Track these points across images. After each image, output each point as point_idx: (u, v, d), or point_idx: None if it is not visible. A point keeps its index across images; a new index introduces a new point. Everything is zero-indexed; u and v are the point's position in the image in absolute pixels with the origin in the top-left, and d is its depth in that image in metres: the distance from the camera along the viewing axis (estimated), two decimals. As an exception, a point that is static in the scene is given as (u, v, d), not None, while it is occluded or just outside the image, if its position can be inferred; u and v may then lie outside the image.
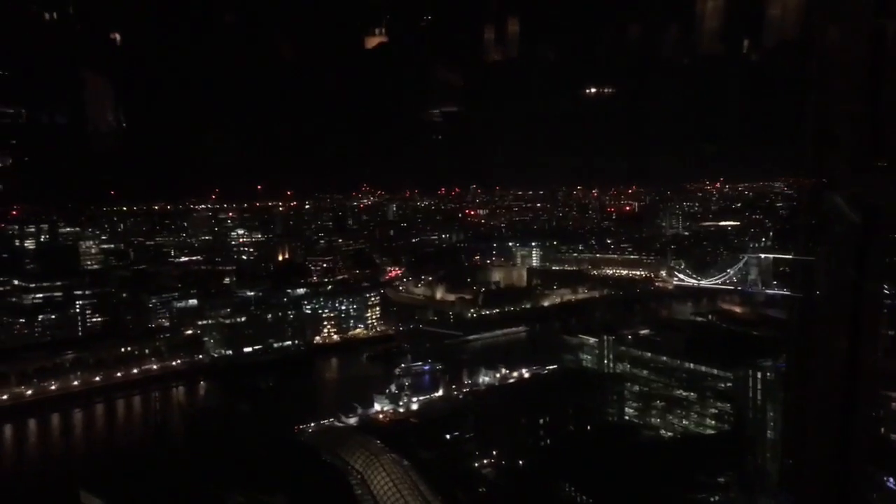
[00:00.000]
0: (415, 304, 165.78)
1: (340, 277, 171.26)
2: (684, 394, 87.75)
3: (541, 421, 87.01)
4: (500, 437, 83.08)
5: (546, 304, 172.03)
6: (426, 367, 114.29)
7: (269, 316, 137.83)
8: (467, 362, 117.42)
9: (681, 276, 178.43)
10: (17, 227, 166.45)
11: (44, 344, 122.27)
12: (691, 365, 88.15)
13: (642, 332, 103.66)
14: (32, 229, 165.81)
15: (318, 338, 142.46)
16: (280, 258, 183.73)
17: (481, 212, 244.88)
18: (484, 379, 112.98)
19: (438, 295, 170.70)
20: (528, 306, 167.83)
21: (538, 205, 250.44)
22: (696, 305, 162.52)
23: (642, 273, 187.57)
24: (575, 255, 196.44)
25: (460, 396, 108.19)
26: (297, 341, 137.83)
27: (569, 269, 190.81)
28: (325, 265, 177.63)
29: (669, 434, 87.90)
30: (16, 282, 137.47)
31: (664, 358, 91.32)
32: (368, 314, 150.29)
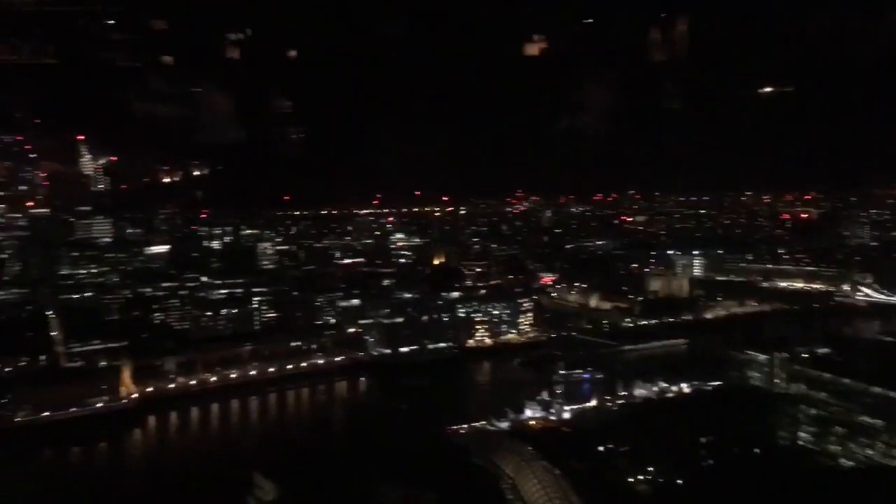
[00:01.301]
0: (568, 311, 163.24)
1: (494, 282, 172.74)
2: (870, 420, 79.43)
3: (702, 440, 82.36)
4: (656, 453, 79.60)
5: (709, 316, 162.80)
6: (586, 376, 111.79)
7: (425, 318, 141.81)
8: (622, 373, 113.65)
9: (867, 290, 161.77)
10: (206, 228, 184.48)
11: (226, 336, 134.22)
12: (879, 389, 79.59)
13: (820, 350, 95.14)
14: (218, 231, 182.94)
15: (471, 341, 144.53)
16: (436, 262, 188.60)
17: (639, 218, 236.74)
18: (640, 391, 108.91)
19: (593, 303, 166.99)
20: (689, 318, 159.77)
21: (702, 211, 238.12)
22: (885, 324, 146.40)
23: (821, 286, 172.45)
24: (743, 265, 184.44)
25: (614, 408, 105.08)
26: (450, 344, 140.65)
27: (735, 279, 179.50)
28: (479, 270, 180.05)
29: (850, 464, 79.91)
30: (204, 278, 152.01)
31: (847, 380, 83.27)
32: (521, 320, 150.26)
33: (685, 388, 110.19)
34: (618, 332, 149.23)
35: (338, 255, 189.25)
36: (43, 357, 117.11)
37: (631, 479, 76.35)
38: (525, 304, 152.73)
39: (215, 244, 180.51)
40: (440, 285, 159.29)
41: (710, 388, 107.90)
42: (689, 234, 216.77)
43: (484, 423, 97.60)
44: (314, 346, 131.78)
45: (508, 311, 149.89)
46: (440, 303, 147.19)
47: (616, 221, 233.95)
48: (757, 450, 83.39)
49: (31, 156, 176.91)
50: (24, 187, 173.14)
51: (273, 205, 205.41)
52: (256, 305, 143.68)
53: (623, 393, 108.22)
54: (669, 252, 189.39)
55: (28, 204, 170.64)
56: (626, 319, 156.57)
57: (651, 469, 77.15)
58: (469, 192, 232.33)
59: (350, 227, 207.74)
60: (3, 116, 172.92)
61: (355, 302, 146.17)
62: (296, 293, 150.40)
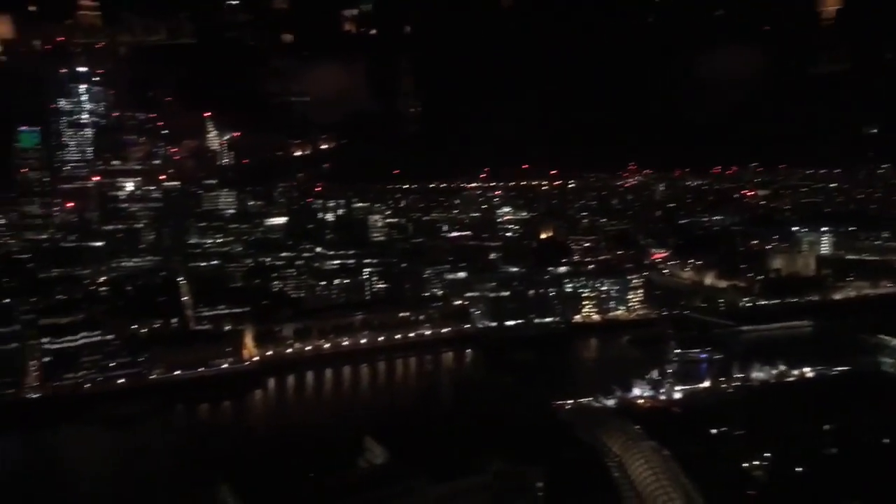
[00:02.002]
0: (681, 289, 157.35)
1: (602, 258, 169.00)
2: None
3: (826, 427, 77.66)
4: (774, 439, 75.87)
5: (838, 297, 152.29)
6: (703, 356, 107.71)
7: (531, 292, 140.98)
8: (739, 355, 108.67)
9: None
10: (320, 202, 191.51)
11: (339, 305, 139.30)
12: None
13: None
14: (332, 204, 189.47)
15: (577, 317, 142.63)
16: (543, 236, 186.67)
17: (761, 192, 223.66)
18: (758, 374, 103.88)
19: (708, 281, 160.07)
20: (815, 299, 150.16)
21: (832, 185, 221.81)
22: None
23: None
24: (878, 242, 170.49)
25: (729, 390, 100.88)
26: (556, 318, 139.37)
27: (869, 258, 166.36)
28: (587, 245, 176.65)
29: None
30: (318, 249, 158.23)
31: None
32: (630, 296, 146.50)
33: (808, 372, 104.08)
34: (735, 311, 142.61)
35: (445, 228, 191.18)
36: (175, 320, 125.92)
37: (746, 465, 73.23)
38: (635, 281, 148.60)
39: (329, 217, 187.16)
40: (547, 260, 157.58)
41: (837, 373, 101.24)
42: (817, 210, 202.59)
43: (590, 399, 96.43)
44: (421, 318, 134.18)
45: (617, 288, 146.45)
46: (547, 277, 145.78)
47: (736, 196, 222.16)
48: (887, 440, 77.72)
49: (163, 132, 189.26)
50: (158, 162, 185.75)
51: (383, 179, 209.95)
52: (367, 276, 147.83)
53: (739, 375, 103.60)
54: (794, 228, 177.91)
55: (161, 177, 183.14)
56: (745, 299, 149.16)
57: (768, 455, 73.65)
58: (578, 165, 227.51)
59: (457, 201, 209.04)
60: (139, 95, 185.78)
61: (462, 275, 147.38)
62: (404, 265, 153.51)
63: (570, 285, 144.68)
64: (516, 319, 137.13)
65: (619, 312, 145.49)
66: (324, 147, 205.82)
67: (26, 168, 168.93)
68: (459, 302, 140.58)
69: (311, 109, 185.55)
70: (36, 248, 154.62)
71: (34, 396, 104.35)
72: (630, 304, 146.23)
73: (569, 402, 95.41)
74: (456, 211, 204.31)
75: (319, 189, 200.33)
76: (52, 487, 78.83)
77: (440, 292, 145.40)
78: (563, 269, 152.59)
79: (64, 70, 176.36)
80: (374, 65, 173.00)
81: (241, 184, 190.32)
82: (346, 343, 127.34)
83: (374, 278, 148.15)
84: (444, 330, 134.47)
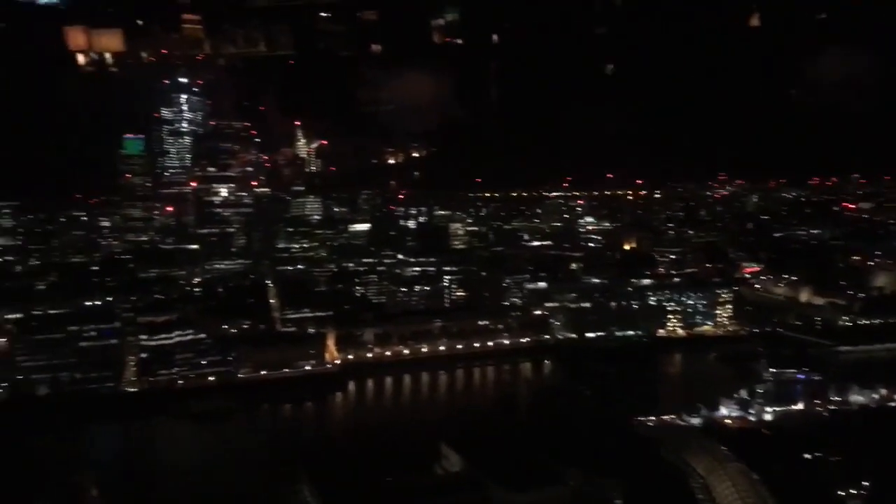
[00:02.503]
0: (774, 305, 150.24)
1: (689, 270, 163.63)
2: None
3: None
4: (873, 467, 71.16)
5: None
6: (800, 377, 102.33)
7: (613, 304, 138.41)
8: (836, 376, 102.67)
9: None
10: (402, 209, 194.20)
11: (418, 311, 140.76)
12: None
13: None
14: (414, 212, 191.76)
15: (661, 331, 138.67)
16: (626, 247, 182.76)
17: (863, 205, 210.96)
18: (856, 398, 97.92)
19: (804, 297, 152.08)
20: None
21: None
22: None
23: None
24: None
25: (825, 413, 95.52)
26: (639, 332, 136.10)
27: None
28: (672, 257, 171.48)
29: None
30: (399, 256, 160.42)
31: None
32: (718, 311, 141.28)
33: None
34: (832, 330, 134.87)
35: (526, 237, 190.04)
36: (262, 322, 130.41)
37: (842, 493, 69.01)
38: (724, 295, 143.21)
39: (410, 224, 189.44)
40: (630, 271, 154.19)
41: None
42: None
43: (674, 417, 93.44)
44: (500, 326, 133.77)
45: (704, 302, 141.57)
46: (630, 289, 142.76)
47: (835, 208, 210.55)
48: None
49: (256, 140, 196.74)
50: (250, 169, 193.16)
51: (465, 187, 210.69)
52: (447, 284, 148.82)
53: (836, 398, 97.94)
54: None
55: (252, 184, 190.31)
56: (844, 317, 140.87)
57: (866, 484, 69.17)
58: (665, 175, 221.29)
59: (539, 210, 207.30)
60: (235, 104, 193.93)
61: (542, 285, 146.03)
62: (484, 273, 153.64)
63: (654, 298, 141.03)
64: (597, 331, 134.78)
65: (706, 328, 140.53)
66: (415, 155, 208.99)
67: (130, 173, 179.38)
68: (539, 312, 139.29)
69: (398, 118, 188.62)
70: (137, 250, 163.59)
71: (132, 390, 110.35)
72: (718, 320, 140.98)
73: (651, 418, 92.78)
74: (537, 220, 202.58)
75: (402, 197, 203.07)
76: (146, 475, 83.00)
77: (520, 301, 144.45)
78: (647, 281, 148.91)
79: (167, 80, 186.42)
80: (460, 73, 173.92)
81: (328, 190, 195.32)
82: (424, 349, 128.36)
83: (454, 286, 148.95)
84: (523, 339, 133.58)
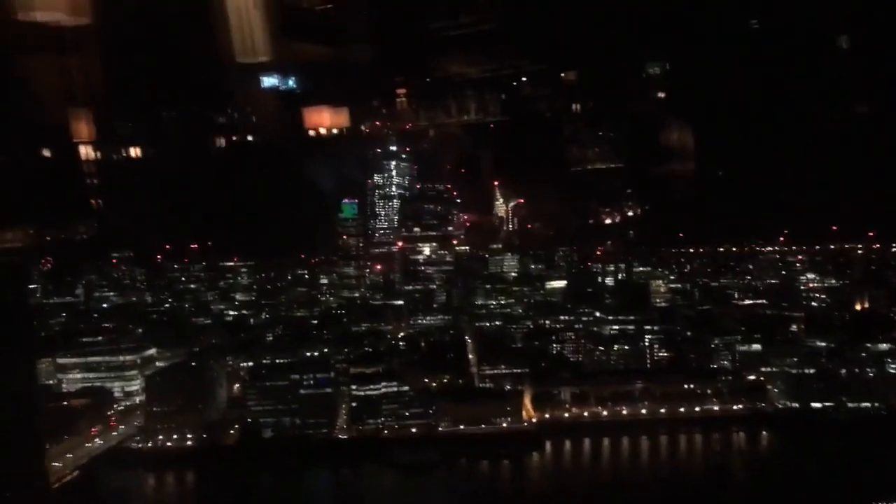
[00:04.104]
0: None
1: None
2: None
3: None
4: None
5: None
6: None
7: (844, 371, 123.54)
8: None
9: None
10: (599, 266, 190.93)
11: (618, 371, 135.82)
12: None
13: None
14: (612, 268, 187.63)
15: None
16: (858, 307, 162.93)
17: None
18: None
19: None
20: None
21: None
22: None
23: None
24: None
25: None
26: (877, 404, 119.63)
27: None
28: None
29: None
30: (597, 314, 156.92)
31: None
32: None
33: None
34: None
35: (736, 295, 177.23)
36: (461, 377, 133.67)
37: None
38: None
39: (608, 281, 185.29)
40: (864, 334, 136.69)
41: None
42: None
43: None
44: (709, 391, 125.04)
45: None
46: (864, 355, 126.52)
47: None
48: None
49: (457, 201, 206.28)
50: (451, 228, 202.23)
51: (666, 242, 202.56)
52: (648, 343, 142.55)
53: None
54: None
55: (453, 242, 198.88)
56: None
57: None
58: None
59: (751, 266, 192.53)
60: (438, 168, 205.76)
61: (756, 347, 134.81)
62: (689, 333, 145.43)
63: (894, 365, 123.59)
64: (824, 401, 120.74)
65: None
66: (630, 214, 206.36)
67: (346, 235, 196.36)
68: (753, 377, 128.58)
69: (604, 176, 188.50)
70: (350, 305, 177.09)
71: (343, 437, 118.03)
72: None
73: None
74: (749, 277, 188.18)
75: (599, 253, 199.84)
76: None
77: (730, 365, 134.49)
78: (884, 345, 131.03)
79: (378, 150, 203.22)
80: (662, 128, 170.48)
81: (524, 248, 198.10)
82: (625, 412, 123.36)
83: (656, 346, 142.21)
84: (735, 406, 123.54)
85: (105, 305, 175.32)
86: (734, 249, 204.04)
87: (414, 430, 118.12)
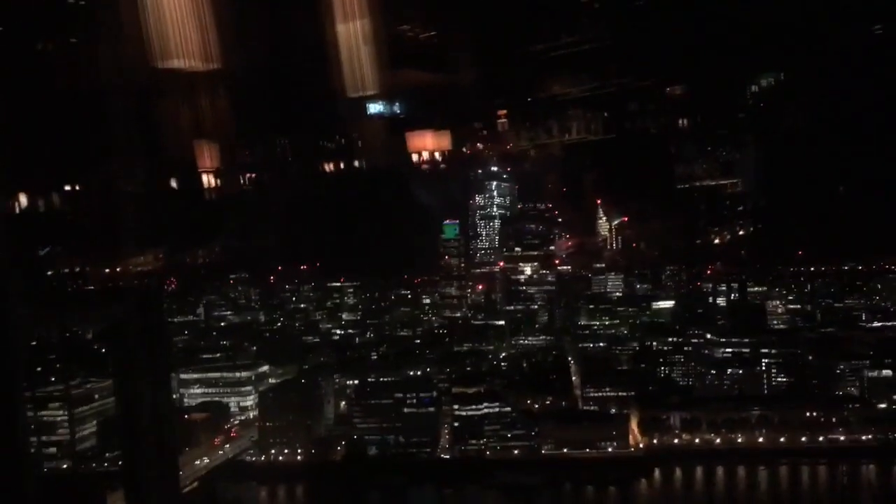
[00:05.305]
0: None
1: None
2: None
3: None
4: None
5: None
6: None
7: None
8: None
9: None
10: (710, 285, 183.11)
11: (731, 397, 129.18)
12: None
13: None
14: (724, 288, 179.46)
15: None
16: None
17: None
18: None
19: None
20: None
21: None
22: None
23: None
24: None
25: None
26: None
27: None
28: None
29: None
30: (709, 336, 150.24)
31: None
32: None
33: None
34: None
35: (864, 317, 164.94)
36: (564, 399, 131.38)
37: None
38: None
39: (720, 301, 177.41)
40: None
41: None
42: None
43: None
44: (834, 420, 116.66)
45: None
46: None
47: None
48: None
49: (558, 220, 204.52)
50: (552, 248, 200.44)
51: (784, 261, 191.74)
52: (765, 367, 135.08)
53: None
54: None
55: (555, 262, 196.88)
56: None
57: None
58: None
59: (879, 286, 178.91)
60: (538, 188, 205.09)
61: (887, 373, 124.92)
62: (811, 358, 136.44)
63: None
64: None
65: None
66: (741, 233, 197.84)
67: (448, 255, 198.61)
68: (885, 405, 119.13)
69: (714, 194, 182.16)
70: (452, 325, 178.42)
71: (445, 457, 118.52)
72: None
73: None
74: (877, 297, 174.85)
75: (710, 272, 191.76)
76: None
77: (858, 392, 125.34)
78: None
79: (480, 171, 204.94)
80: (781, 144, 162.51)
81: (629, 268, 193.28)
82: (740, 439, 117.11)
83: (774, 370, 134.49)
84: (864, 437, 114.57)
85: (223, 324, 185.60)
86: (860, 268, 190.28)
87: (517, 451, 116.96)
